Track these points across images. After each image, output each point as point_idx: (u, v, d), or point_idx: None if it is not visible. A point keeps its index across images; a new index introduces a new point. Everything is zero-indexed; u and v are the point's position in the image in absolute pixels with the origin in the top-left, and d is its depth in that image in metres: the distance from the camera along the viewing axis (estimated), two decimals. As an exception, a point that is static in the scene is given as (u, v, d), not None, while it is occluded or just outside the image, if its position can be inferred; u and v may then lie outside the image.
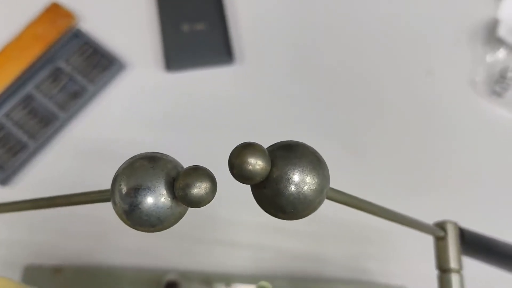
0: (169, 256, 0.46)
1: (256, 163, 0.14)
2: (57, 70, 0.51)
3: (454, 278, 0.21)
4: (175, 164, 0.16)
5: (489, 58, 0.52)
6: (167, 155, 0.16)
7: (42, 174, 0.48)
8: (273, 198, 0.15)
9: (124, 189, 0.15)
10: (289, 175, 0.15)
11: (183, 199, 0.15)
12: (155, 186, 0.15)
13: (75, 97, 0.50)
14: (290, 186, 0.15)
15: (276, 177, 0.15)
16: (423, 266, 0.45)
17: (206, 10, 0.54)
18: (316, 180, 0.15)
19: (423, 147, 0.50)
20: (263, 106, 0.52)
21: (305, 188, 0.15)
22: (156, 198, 0.15)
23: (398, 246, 0.47)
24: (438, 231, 0.22)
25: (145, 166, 0.15)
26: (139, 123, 0.51)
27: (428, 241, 0.45)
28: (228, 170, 0.15)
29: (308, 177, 0.15)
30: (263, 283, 0.44)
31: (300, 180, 0.15)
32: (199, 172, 0.15)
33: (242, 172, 0.14)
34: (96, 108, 0.51)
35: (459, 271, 0.21)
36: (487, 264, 0.23)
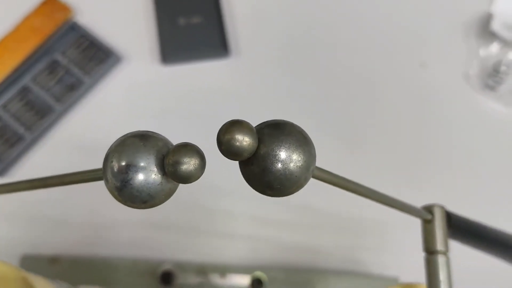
0: (165, 248, 0.47)
1: (243, 140, 0.15)
2: (53, 62, 0.51)
3: (441, 260, 0.21)
4: (165, 142, 0.16)
5: (482, 52, 0.53)
6: (158, 134, 0.17)
7: (38, 165, 0.48)
8: (261, 175, 0.16)
9: (115, 166, 0.16)
10: (276, 152, 0.15)
11: (173, 175, 0.15)
12: (146, 163, 0.16)
13: (72, 90, 0.50)
14: (277, 162, 0.15)
15: (263, 154, 0.15)
16: (416, 258, 0.46)
17: (202, 4, 0.54)
18: (302, 157, 0.16)
19: (417, 138, 0.51)
20: (258, 99, 0.52)
21: (292, 165, 0.15)
22: (146, 175, 0.16)
23: (391, 238, 0.48)
24: (426, 214, 0.22)
25: (136, 144, 0.16)
26: (135, 115, 0.51)
27: (419, 233, 0.46)
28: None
29: (295, 154, 0.15)
30: (258, 273, 0.45)
31: (287, 157, 0.15)
32: (188, 148, 0.15)
33: (230, 148, 0.15)
34: (92, 100, 0.51)
35: (445, 253, 0.22)
36: (473, 248, 0.24)
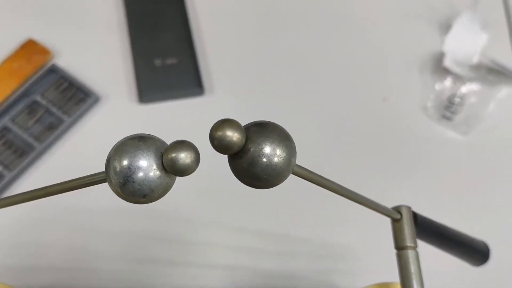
0: (144, 279, 0.47)
1: (233, 135, 0.17)
2: (33, 103, 0.53)
3: (411, 254, 0.24)
4: (162, 142, 0.18)
5: (437, 86, 0.57)
6: (154, 136, 0.18)
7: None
8: (249, 167, 0.18)
9: (118, 165, 0.17)
10: (262, 146, 0.18)
11: (172, 168, 0.17)
12: (146, 160, 0.17)
13: (51, 129, 0.52)
14: (263, 156, 0.18)
15: (250, 149, 0.18)
16: (385, 278, 0.48)
17: (177, 46, 0.57)
18: (285, 150, 0.18)
19: (384, 162, 0.54)
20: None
21: (276, 158, 0.18)
22: (147, 170, 0.17)
23: (364, 261, 0.50)
24: (395, 213, 0.24)
25: (135, 143, 0.18)
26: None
27: (391, 257, 0.48)
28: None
29: (278, 149, 0.18)
30: (238, 301, 0.46)
31: (271, 151, 0.18)
32: (185, 144, 0.17)
33: (221, 142, 0.17)
34: (71, 138, 0.52)
35: (414, 248, 0.24)
36: (435, 246, 0.26)
